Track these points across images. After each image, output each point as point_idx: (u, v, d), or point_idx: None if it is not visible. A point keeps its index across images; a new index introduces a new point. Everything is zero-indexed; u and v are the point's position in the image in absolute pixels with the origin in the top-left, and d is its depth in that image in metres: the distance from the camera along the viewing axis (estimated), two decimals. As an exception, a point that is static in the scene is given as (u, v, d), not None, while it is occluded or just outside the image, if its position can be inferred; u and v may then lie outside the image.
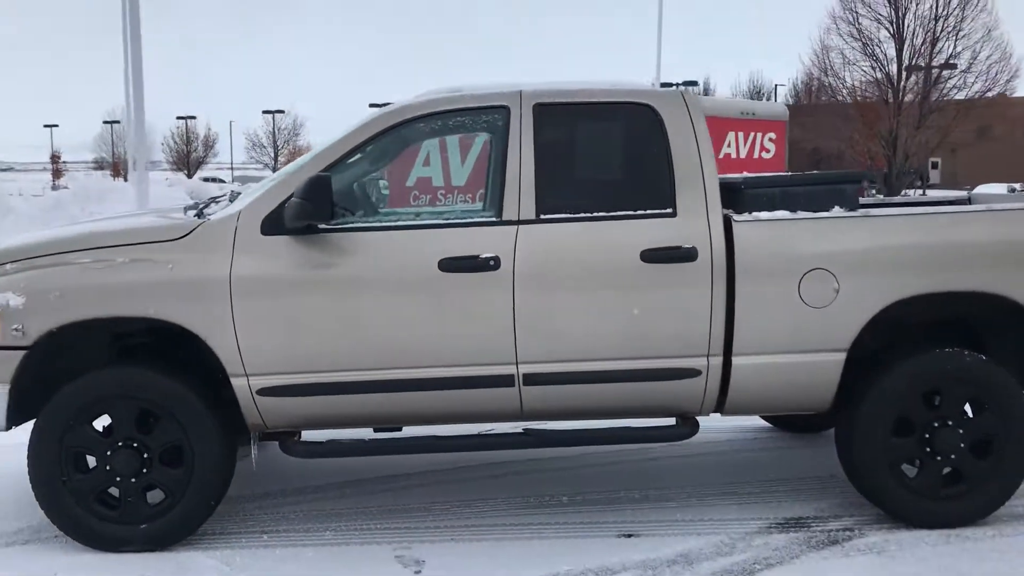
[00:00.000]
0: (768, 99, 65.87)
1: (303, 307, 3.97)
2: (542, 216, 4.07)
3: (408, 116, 4.18)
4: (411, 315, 4.00)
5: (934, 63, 32.90)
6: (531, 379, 4.06)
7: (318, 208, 3.83)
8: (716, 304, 4.06)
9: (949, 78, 32.86)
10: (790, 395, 4.19)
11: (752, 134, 15.53)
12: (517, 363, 4.04)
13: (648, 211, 4.11)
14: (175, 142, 73.63)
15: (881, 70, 33.26)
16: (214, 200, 4.64)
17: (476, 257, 3.99)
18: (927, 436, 4.18)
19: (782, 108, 16.73)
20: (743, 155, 15.38)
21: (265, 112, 70.56)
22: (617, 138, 4.34)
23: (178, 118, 74.08)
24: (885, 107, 32.65)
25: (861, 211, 4.19)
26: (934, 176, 55.23)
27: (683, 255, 4.04)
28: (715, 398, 4.18)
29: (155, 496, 4.08)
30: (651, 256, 4.03)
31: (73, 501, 4.00)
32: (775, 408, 4.31)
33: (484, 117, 4.24)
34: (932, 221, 4.19)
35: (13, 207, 26.21)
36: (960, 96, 33.61)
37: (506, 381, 4.05)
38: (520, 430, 4.25)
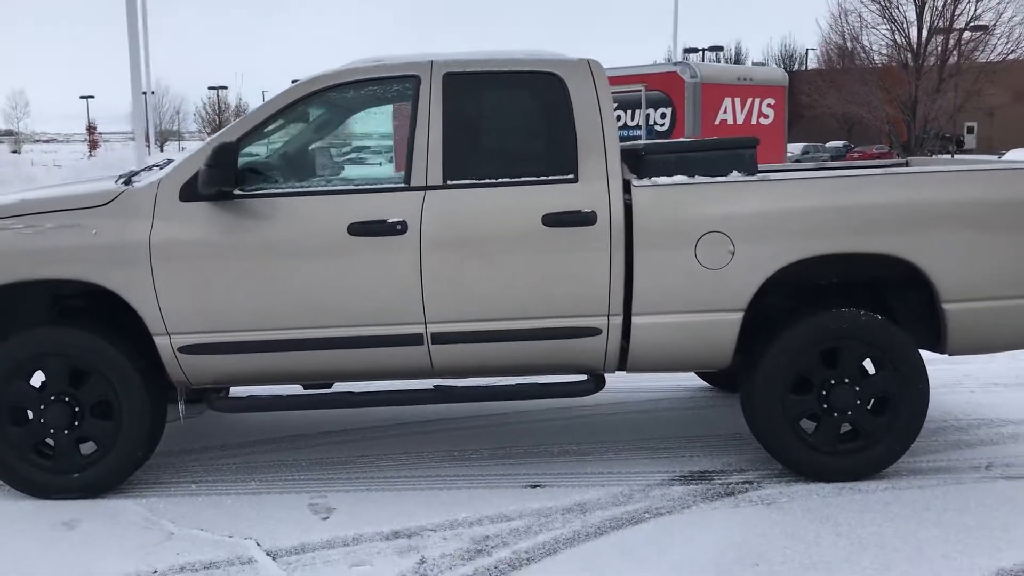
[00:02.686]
0: (800, 65, 65.01)
1: (219, 269, 4.18)
2: (449, 182, 4.25)
3: (322, 86, 4.36)
4: (323, 277, 4.20)
5: (955, 25, 32.33)
6: (439, 338, 4.26)
7: (222, 174, 4.03)
8: (615, 266, 4.23)
9: (971, 40, 32.29)
10: (689, 353, 4.36)
11: (749, 100, 15.48)
12: (426, 323, 4.24)
13: (551, 177, 4.27)
14: (207, 112, 74.36)
15: (900, 32, 32.75)
16: (148, 168, 4.85)
17: (384, 221, 4.18)
18: (824, 393, 4.33)
19: (781, 73, 16.60)
20: (740, 121, 15.35)
21: (293, 82, 70.75)
22: (524, 106, 4.50)
23: (209, 88, 74.74)
24: (904, 71, 32.18)
25: (759, 175, 4.31)
26: (969, 141, 54.43)
27: (582, 219, 4.20)
28: (617, 356, 4.35)
29: (89, 448, 4.34)
30: (552, 220, 4.20)
31: (10, 451, 4.27)
32: (676, 365, 4.48)
33: (396, 86, 4.42)
34: (826, 185, 4.31)
35: (34, 176, 26.76)
36: (985, 59, 33.04)
37: (415, 340, 4.26)
38: (431, 386, 4.45)
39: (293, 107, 4.35)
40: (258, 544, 3.83)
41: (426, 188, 4.23)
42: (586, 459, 4.77)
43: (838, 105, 34.05)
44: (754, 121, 15.61)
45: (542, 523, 3.98)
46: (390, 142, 4.44)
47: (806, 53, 66.16)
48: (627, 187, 4.25)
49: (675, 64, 14.70)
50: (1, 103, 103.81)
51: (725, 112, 15.08)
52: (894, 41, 33.08)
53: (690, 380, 6.11)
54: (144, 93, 16.66)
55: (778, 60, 68.08)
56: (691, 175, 4.31)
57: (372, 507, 4.18)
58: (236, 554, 3.75)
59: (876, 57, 33.75)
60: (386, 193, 4.26)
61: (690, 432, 5.15)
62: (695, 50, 66.45)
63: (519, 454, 4.85)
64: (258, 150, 4.41)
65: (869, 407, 4.38)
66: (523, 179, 4.27)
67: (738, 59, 72.41)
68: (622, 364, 4.43)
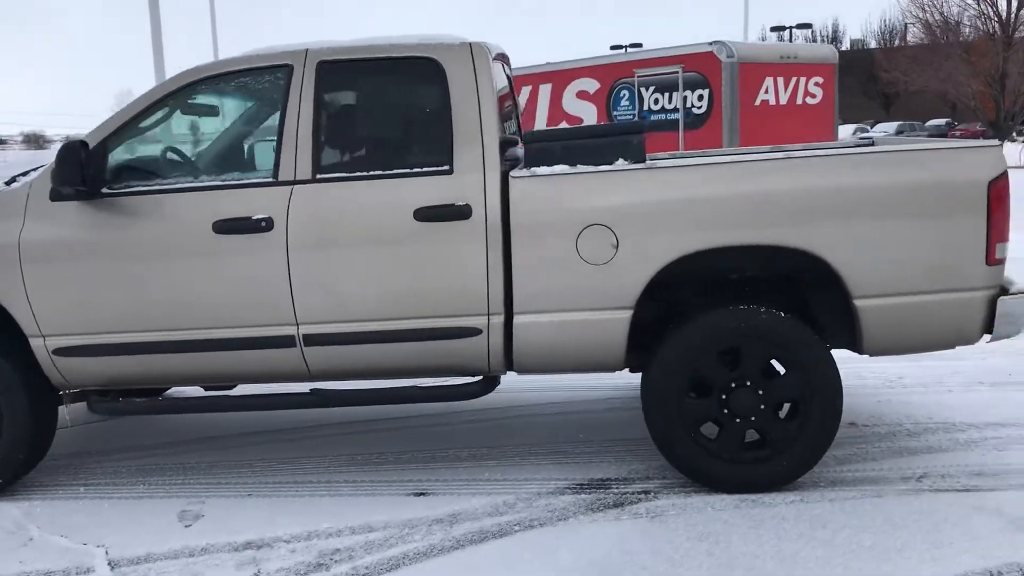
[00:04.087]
0: (897, 41, 62.38)
1: (88, 270, 4.09)
2: (318, 176, 4.06)
3: (195, 78, 4.21)
4: (190, 277, 4.07)
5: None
6: (311, 340, 4.08)
7: (70, 173, 3.92)
8: (493, 263, 3.97)
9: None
10: (577, 354, 4.07)
11: (794, 79, 14.77)
12: (297, 324, 4.07)
13: (425, 169, 4.03)
14: None
15: (987, 1, 31.00)
16: (35, 169, 4.80)
17: (248, 219, 4.02)
18: (724, 397, 4.00)
19: (829, 50, 15.75)
20: (783, 101, 14.66)
21: None
22: (400, 94, 4.27)
23: None
24: (992, 43, 30.46)
25: (645, 164, 3.98)
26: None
27: (456, 213, 3.95)
28: (501, 357, 4.10)
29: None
30: (425, 215, 3.96)
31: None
32: (567, 367, 4.18)
33: (268, 76, 4.24)
34: (718, 172, 3.95)
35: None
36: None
37: (287, 342, 4.09)
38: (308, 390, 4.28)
39: (165, 101, 4.22)
40: (107, 553, 3.74)
41: (294, 183, 4.05)
42: (487, 464, 4.53)
43: (921, 81, 32.46)
44: (799, 101, 14.93)
45: (403, 535, 3.78)
46: (268, 136, 4.25)
47: (904, 28, 63.61)
48: (504, 178, 3.99)
49: (711, 43, 14.13)
50: (111, 103, 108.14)
51: (766, 92, 14.46)
52: (980, 11, 31.30)
53: (617, 379, 5.76)
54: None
55: (876, 36, 65.65)
56: (574, 164, 4.01)
57: (242, 514, 4.04)
58: (78, 563, 3.65)
59: (962, 29, 31.98)
60: (253, 189, 4.09)
61: (608, 436, 4.85)
62: (782, 28, 64.48)
63: (417, 459, 4.64)
64: (141, 147, 4.30)
65: (775, 412, 4.03)
66: (395, 172, 4.05)
67: (834, 36, 70.09)
68: (509, 365, 4.17)
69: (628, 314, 3.97)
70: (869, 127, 46.68)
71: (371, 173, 4.05)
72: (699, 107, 14.48)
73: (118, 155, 4.19)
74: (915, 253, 3.85)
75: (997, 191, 3.82)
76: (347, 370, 4.19)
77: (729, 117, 14.07)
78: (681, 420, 4.01)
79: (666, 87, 14.94)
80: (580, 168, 3.98)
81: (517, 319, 4.01)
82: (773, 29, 64.59)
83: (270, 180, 4.08)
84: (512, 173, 3.99)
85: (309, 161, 4.04)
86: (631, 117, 15.54)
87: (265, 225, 4.00)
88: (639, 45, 26.96)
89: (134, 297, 4.10)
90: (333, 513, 4.00)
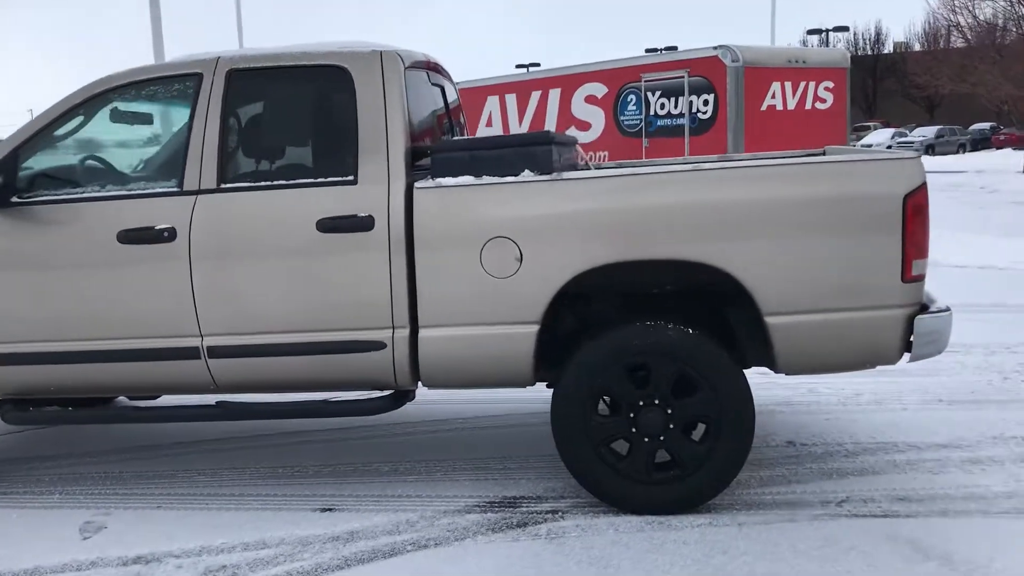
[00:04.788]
0: (945, 43, 61.29)
1: None
2: (223, 185, 4.01)
3: (107, 87, 4.19)
4: (96, 288, 4.04)
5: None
6: (215, 352, 4.03)
7: None
8: (396, 275, 3.89)
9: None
10: (485, 369, 3.97)
11: (803, 83, 14.51)
12: (201, 336, 4.02)
13: (329, 179, 3.97)
14: None
15: (1021, 2, 30.29)
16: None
17: (151, 228, 3.98)
18: (633, 415, 3.88)
19: (840, 54, 15.45)
20: (791, 107, 14.41)
21: None
22: (309, 103, 4.20)
23: None
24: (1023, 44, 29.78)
25: (551, 175, 3.87)
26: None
27: (358, 224, 3.88)
28: (408, 371, 4.01)
29: None
30: (327, 226, 3.90)
31: None
32: (475, 382, 4.08)
33: (179, 85, 4.19)
34: (623, 184, 3.83)
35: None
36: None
37: (192, 353, 4.04)
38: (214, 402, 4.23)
39: (77, 110, 4.20)
40: (-4, 565, 3.72)
41: (198, 192, 4.00)
42: (404, 480, 4.44)
43: (951, 85, 31.82)
44: (809, 106, 14.67)
45: (293, 553, 3.70)
46: (177, 145, 4.20)
47: (948, 31, 62.48)
48: (409, 189, 3.91)
49: (716, 47, 13.92)
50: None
51: (773, 97, 14.22)
52: (1013, 13, 30.61)
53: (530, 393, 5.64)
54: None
55: (919, 38, 64.53)
56: (480, 175, 3.92)
57: (143, 527, 4.00)
58: (-39, 575, 3.64)
59: (996, 32, 31.31)
60: (157, 198, 4.05)
61: (532, 451, 4.73)
62: (819, 31, 63.71)
63: (338, 472, 4.57)
64: (53, 156, 4.28)
65: (685, 432, 3.90)
66: (300, 181, 3.99)
67: (877, 39, 69.08)
68: (416, 379, 4.09)
69: (534, 329, 3.86)
70: (908, 131, 45.99)
71: (275, 183, 3.99)
72: (704, 112, 14.28)
73: (32, 163, 4.18)
74: (827, 269, 3.71)
75: (914, 205, 3.66)
76: (253, 383, 4.13)
77: (734, 122, 13.86)
78: (588, 438, 3.90)
79: (672, 92, 14.76)
80: (485, 179, 3.89)
81: (422, 333, 3.93)
82: (810, 32, 63.95)
83: (175, 190, 4.04)
84: (416, 184, 3.91)
85: (214, 170, 4.00)
86: (638, 122, 15.39)
87: (168, 235, 3.96)
88: (675, 48, 26.71)
89: (43, 307, 4.08)
90: (234, 528, 3.95)
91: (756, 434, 4.86)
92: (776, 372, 3.93)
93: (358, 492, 4.30)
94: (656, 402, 3.86)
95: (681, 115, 14.60)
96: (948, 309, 3.80)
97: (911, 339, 3.76)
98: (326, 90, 4.10)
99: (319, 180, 3.97)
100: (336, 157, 4.00)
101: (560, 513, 3.99)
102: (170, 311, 4.01)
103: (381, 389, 4.14)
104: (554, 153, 3.92)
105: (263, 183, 4.01)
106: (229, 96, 4.05)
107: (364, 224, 3.87)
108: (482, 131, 19.87)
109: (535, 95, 17.78)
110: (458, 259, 3.85)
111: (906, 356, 3.84)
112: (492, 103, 19.10)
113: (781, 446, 4.74)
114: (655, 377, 3.85)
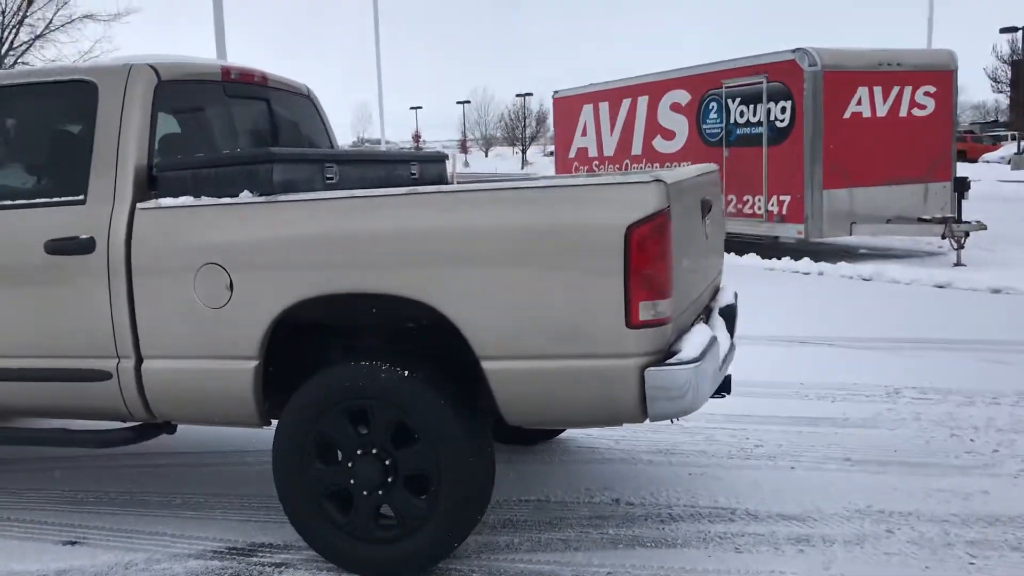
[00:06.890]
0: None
1: None
2: (-37, 205, 3.91)
3: None
4: None
5: None
6: (-46, 374, 3.94)
7: None
8: (117, 300, 3.67)
9: None
10: (211, 406, 3.66)
11: (895, 88, 13.18)
12: None
13: (62, 199, 3.80)
14: (510, 119, 77.58)
15: None
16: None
17: None
18: (351, 465, 3.48)
19: (946, 55, 13.85)
20: (882, 114, 13.12)
21: (517, 95, 75.62)
22: (55, 119, 4.05)
23: (517, 95, 77.86)
24: None
25: (267, 197, 3.52)
26: None
27: (80, 246, 3.69)
28: (139, 403, 3.77)
29: None
30: (54, 247, 3.73)
31: None
32: (205, 419, 3.76)
33: None
34: (335, 207, 3.42)
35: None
36: None
37: None
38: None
39: None
40: None
41: (-58, 212, 3.92)
42: (157, 514, 4.20)
43: None
44: (904, 113, 13.38)
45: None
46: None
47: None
48: (132, 210, 3.68)
49: (794, 51, 12.92)
50: (349, 117, 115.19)
51: (859, 104, 13.05)
52: None
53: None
54: (464, 103, 17.20)
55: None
56: (198, 195, 3.63)
57: None
58: None
59: None
60: None
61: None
62: (1013, 29, 58.76)
63: (99, 501, 4.40)
64: None
65: (408, 485, 3.46)
66: (33, 201, 3.84)
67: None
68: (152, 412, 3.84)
69: (252, 364, 3.53)
70: None
71: (5, 202, 3.86)
72: (782, 120, 13.29)
73: None
74: (544, 310, 3.17)
75: (639, 238, 3.07)
76: None
77: (811, 132, 12.82)
78: (306, 488, 3.53)
79: (751, 98, 13.85)
80: (201, 200, 3.60)
81: (145, 364, 3.69)
82: (1003, 30, 58.99)
83: (-79, 208, 3.97)
84: (139, 205, 3.68)
85: None
86: (719, 131, 14.54)
87: None
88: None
89: None
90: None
91: (585, 487, 4.38)
92: (508, 423, 3.42)
93: (109, 526, 4.09)
94: (374, 451, 3.44)
95: (760, 123, 13.67)
96: (697, 360, 3.17)
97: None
98: (75, 106, 3.92)
99: (52, 200, 3.81)
100: (71, 175, 3.82)
101: (289, 567, 3.64)
102: None
103: (122, 420, 3.93)
104: (277, 173, 3.58)
105: None
106: None
107: (85, 246, 3.68)
108: (577, 141, 19.42)
109: (625, 103, 17.17)
110: (173, 286, 3.58)
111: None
112: (587, 112, 18.61)
113: (602, 503, 4.18)
114: (373, 424, 3.44)
